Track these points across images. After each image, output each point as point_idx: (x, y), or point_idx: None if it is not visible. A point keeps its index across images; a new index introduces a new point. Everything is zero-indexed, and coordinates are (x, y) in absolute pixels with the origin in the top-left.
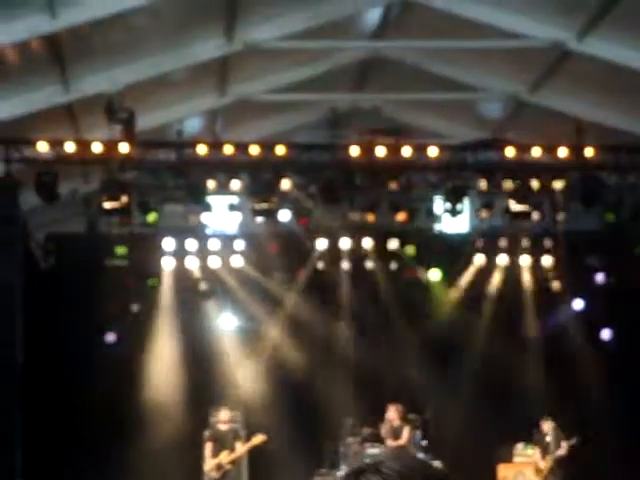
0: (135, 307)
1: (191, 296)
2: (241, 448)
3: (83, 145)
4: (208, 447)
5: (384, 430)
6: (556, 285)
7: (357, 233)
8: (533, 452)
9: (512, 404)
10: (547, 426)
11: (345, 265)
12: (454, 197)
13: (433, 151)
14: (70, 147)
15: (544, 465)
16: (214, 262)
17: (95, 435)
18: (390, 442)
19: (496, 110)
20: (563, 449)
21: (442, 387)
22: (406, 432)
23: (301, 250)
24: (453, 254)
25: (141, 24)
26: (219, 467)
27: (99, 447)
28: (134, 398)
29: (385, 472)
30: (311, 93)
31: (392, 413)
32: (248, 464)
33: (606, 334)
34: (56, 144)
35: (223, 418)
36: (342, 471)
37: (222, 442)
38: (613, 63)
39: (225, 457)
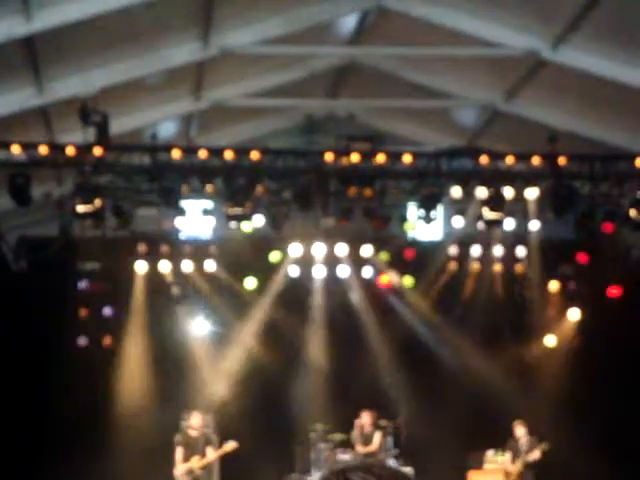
0: (107, 311)
1: (164, 300)
2: (212, 454)
3: (57, 148)
4: (179, 452)
5: (355, 436)
6: (528, 292)
7: (331, 239)
8: (503, 459)
9: (484, 410)
10: (520, 431)
11: (318, 271)
12: (428, 204)
13: (407, 158)
14: (43, 150)
15: (513, 469)
16: (187, 266)
17: (64, 440)
18: (361, 448)
19: (471, 118)
20: (536, 454)
21: (414, 394)
22: (377, 438)
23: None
24: (426, 261)
25: (116, 28)
26: (190, 472)
27: (68, 452)
28: (105, 402)
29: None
30: (286, 99)
31: (364, 419)
32: (219, 469)
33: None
34: (29, 147)
35: (194, 423)
36: (313, 477)
37: (193, 447)
38: (588, 73)
39: (196, 462)
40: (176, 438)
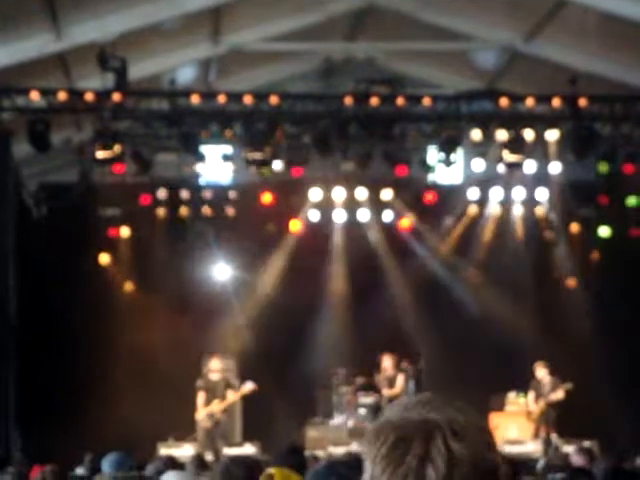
0: (128, 256)
1: (184, 246)
2: (232, 396)
3: (76, 94)
4: (200, 396)
5: (379, 379)
6: (549, 235)
7: (350, 183)
8: (525, 400)
9: (506, 352)
10: (541, 372)
11: (338, 215)
12: (448, 147)
13: (427, 101)
14: (63, 96)
15: (536, 409)
16: (207, 211)
17: (85, 386)
18: (385, 391)
19: (491, 60)
20: (559, 393)
21: (435, 337)
22: (400, 381)
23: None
24: (446, 204)
25: None
26: (211, 415)
27: (92, 393)
28: (126, 348)
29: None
30: (305, 42)
31: (386, 362)
32: (242, 413)
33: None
34: (48, 93)
35: (215, 367)
36: (335, 420)
37: (214, 391)
38: (609, 13)
39: (216, 405)
40: (198, 383)
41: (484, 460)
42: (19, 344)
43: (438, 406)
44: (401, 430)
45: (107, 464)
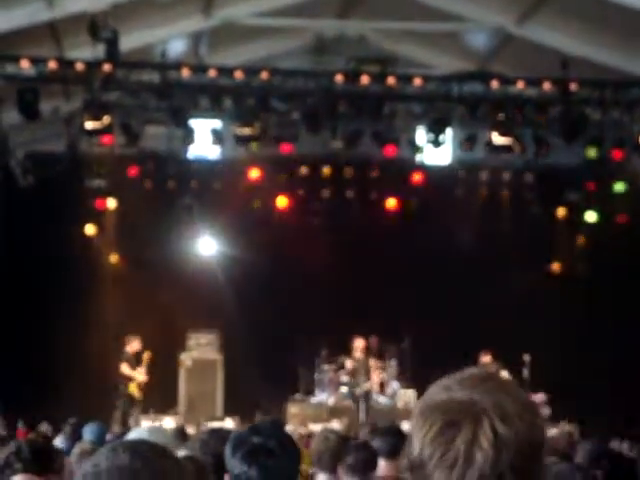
0: (113, 228)
1: (171, 219)
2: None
3: (66, 64)
4: (183, 371)
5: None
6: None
7: (338, 161)
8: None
9: (489, 335)
10: (486, 359)
11: (325, 193)
12: (437, 128)
13: (417, 81)
14: (53, 65)
15: None
16: (194, 185)
17: (70, 351)
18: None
19: (482, 42)
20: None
21: (421, 317)
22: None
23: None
24: (434, 186)
25: None
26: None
27: (74, 363)
28: (110, 317)
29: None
30: (297, 18)
31: (358, 344)
32: (223, 388)
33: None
34: (39, 62)
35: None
36: (317, 397)
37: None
38: None
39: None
40: (181, 357)
41: (530, 441)
42: (1, 312)
43: (482, 386)
44: (448, 414)
45: (88, 433)
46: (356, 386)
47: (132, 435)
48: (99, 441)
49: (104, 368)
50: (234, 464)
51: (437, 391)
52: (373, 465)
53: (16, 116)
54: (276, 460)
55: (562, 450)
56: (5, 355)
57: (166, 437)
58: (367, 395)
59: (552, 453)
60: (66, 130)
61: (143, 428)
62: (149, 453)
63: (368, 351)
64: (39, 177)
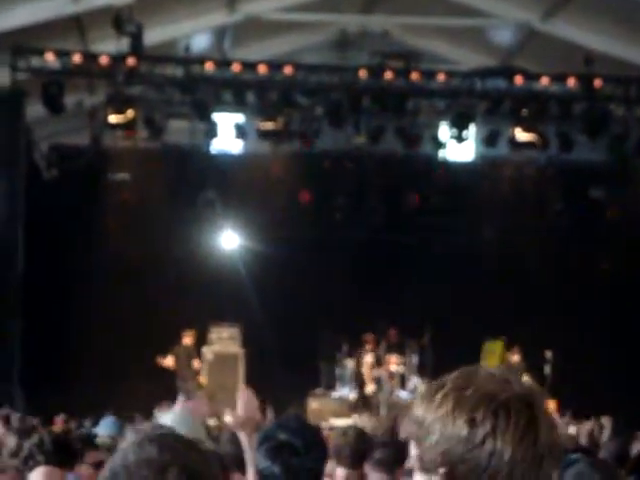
0: (136, 221)
1: (193, 213)
2: None
3: (90, 57)
4: (204, 364)
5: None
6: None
7: (361, 157)
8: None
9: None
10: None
11: (348, 188)
12: (460, 124)
13: (441, 77)
14: (77, 59)
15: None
16: (217, 180)
17: (95, 344)
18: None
19: (506, 37)
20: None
21: (441, 310)
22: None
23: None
24: (457, 181)
25: None
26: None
27: (97, 356)
28: (131, 311)
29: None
30: (321, 13)
31: (389, 336)
32: (245, 382)
33: None
34: (63, 55)
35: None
36: (338, 392)
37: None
38: None
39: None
40: (202, 350)
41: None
42: (25, 305)
43: (515, 378)
44: (524, 410)
45: (102, 429)
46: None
47: (165, 419)
48: (117, 435)
49: (124, 362)
50: (259, 458)
51: (483, 384)
52: (400, 461)
53: (40, 109)
54: (300, 459)
55: (586, 447)
56: (29, 347)
57: (194, 426)
58: (390, 390)
59: (575, 449)
60: (90, 123)
61: (173, 415)
62: (177, 445)
63: (389, 345)
64: (63, 170)
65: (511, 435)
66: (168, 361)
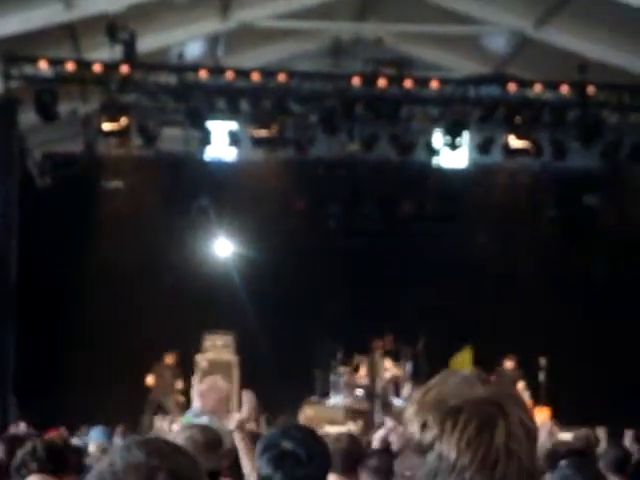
0: (130, 229)
1: (186, 221)
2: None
3: (83, 65)
4: (198, 373)
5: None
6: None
7: (355, 164)
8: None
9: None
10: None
11: (342, 196)
12: (454, 131)
13: (434, 84)
14: (70, 66)
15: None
16: (211, 188)
17: (88, 350)
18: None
19: (500, 45)
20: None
21: (432, 317)
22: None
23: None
24: (451, 189)
25: None
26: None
27: (91, 362)
28: (126, 320)
29: None
30: (314, 21)
31: (385, 343)
32: (239, 391)
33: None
34: (56, 63)
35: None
36: (332, 400)
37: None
38: (619, 1)
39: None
40: (197, 358)
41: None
42: (19, 313)
43: (488, 381)
44: (478, 414)
45: (93, 438)
46: (372, 388)
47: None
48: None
49: (119, 370)
50: (261, 465)
51: (445, 390)
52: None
53: (34, 117)
54: (302, 469)
55: (579, 449)
56: (23, 353)
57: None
58: (384, 397)
59: (569, 455)
60: (83, 131)
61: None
62: (165, 450)
63: (384, 352)
64: (56, 178)
65: (457, 439)
66: (149, 380)
